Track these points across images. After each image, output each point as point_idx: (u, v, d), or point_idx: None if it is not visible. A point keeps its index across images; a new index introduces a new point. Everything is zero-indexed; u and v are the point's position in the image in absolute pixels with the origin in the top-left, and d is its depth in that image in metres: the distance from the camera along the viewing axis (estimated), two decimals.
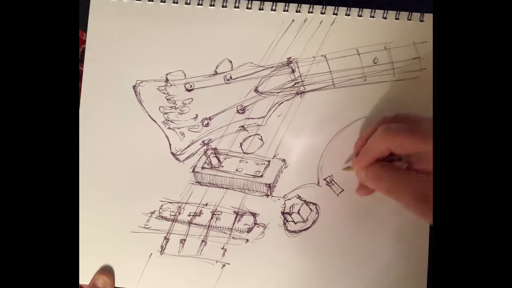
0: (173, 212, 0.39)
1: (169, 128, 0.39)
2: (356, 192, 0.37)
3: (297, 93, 0.39)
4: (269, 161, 0.39)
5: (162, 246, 0.39)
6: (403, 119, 0.33)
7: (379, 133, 0.32)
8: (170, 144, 0.39)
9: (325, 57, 0.38)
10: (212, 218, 0.39)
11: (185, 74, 0.39)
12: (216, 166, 0.39)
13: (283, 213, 0.39)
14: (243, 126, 0.39)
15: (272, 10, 0.38)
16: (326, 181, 0.38)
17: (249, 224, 0.39)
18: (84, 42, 0.39)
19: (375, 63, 0.38)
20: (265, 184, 0.38)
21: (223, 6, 0.39)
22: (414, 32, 0.38)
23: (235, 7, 0.38)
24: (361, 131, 0.38)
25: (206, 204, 0.39)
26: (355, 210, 0.38)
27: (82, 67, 0.39)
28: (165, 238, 0.39)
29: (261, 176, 0.38)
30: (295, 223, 0.38)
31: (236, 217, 0.39)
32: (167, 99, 0.39)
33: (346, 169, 0.38)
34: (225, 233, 0.39)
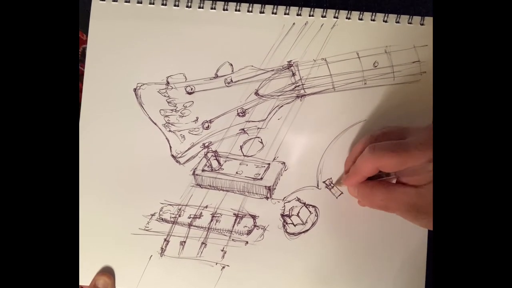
0: (173, 214, 0.39)
1: (170, 130, 0.39)
2: (358, 203, 0.37)
3: (298, 96, 0.39)
4: (269, 163, 0.39)
5: (162, 248, 0.39)
6: (391, 135, 0.33)
7: (366, 153, 0.32)
8: (170, 147, 0.39)
9: (326, 60, 0.38)
10: (212, 220, 0.39)
11: (185, 77, 0.39)
12: (216, 169, 0.39)
13: (282, 215, 0.39)
14: (243, 129, 0.39)
15: (273, 13, 0.38)
16: (326, 183, 0.39)
17: (249, 226, 0.39)
18: (84, 42, 0.39)
19: (375, 66, 0.38)
20: (265, 186, 0.38)
21: (224, 9, 0.39)
22: (415, 36, 0.38)
23: (236, 10, 0.39)
24: (351, 148, 0.38)
25: (206, 207, 0.39)
26: (354, 213, 0.38)
27: (83, 67, 0.39)
28: (165, 240, 0.39)
29: (261, 178, 0.38)
30: (295, 226, 0.39)
31: (236, 220, 0.39)
32: (168, 102, 0.39)
33: (337, 185, 0.38)
34: (225, 235, 0.39)
